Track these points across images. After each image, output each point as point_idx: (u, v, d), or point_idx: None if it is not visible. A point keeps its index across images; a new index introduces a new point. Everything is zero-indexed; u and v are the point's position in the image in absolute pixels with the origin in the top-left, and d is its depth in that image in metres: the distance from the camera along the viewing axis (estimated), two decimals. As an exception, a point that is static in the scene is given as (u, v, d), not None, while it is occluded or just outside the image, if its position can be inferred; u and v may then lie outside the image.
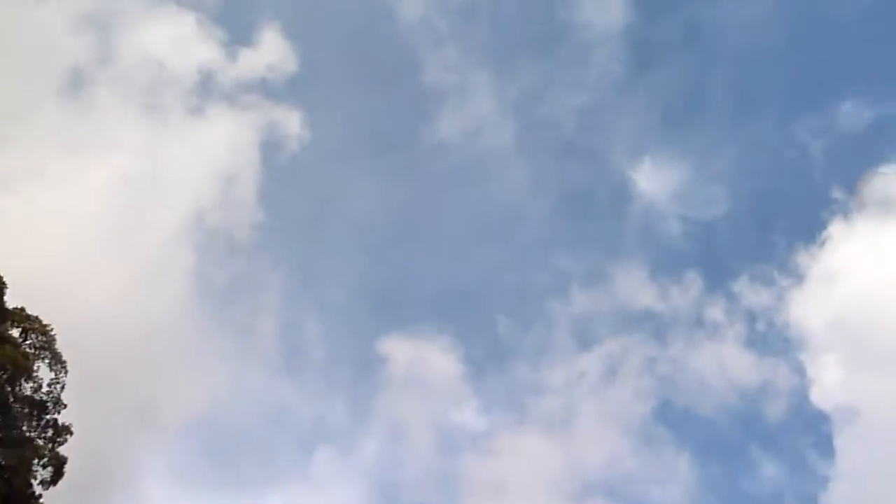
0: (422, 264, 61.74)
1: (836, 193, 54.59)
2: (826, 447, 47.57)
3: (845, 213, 53.53)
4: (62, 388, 26.71)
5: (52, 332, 26.74)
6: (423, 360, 53.85)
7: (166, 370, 47.72)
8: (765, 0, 61.90)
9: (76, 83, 52.95)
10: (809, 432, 49.70)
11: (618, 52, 60.71)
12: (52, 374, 26.60)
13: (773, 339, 52.52)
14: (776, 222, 58.28)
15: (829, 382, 48.69)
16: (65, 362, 26.97)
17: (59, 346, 26.95)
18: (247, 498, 49.43)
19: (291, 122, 56.72)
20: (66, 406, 26.78)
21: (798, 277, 52.91)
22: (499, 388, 55.49)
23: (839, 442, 46.81)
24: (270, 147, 56.82)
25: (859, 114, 57.28)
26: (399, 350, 53.55)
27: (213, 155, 54.81)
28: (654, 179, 58.86)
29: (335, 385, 55.89)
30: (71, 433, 26.70)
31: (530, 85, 62.60)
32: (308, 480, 50.98)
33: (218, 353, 51.64)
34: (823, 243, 52.95)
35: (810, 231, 54.41)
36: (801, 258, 53.37)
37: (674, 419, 52.01)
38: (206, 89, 56.13)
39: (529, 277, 60.41)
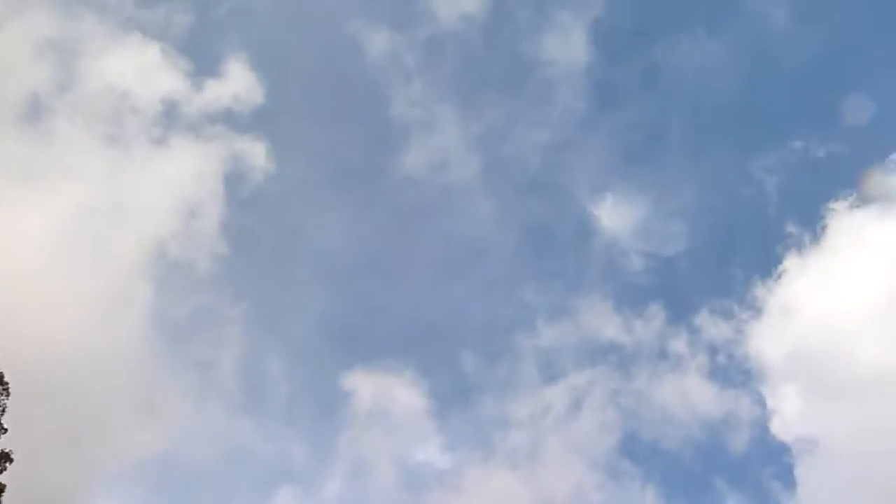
0: (387, 299, 61.42)
1: (791, 228, 56.39)
2: (787, 478, 48.09)
3: (799, 247, 55.22)
4: (2, 411, 25.83)
5: None
6: (388, 395, 53.18)
7: (122, 406, 46.20)
8: (720, 44, 64.57)
9: (35, 110, 52.10)
10: (771, 463, 50.19)
11: (581, 91, 62.43)
12: None
13: (733, 372, 53.40)
14: (734, 257, 59.81)
15: (788, 413, 49.49)
16: (7, 384, 26.05)
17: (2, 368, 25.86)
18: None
19: (256, 153, 56.50)
20: (6, 431, 25.80)
21: (756, 310, 54.15)
22: (464, 423, 55.01)
23: (800, 472, 47.35)
24: (235, 179, 56.36)
25: (811, 151, 59.63)
26: (363, 385, 52.84)
27: (176, 186, 54.03)
28: (615, 215, 60.09)
29: (297, 423, 54.63)
30: (11, 460, 25.68)
31: (495, 121, 63.76)
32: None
33: (176, 389, 50.09)
34: (780, 277, 54.42)
35: (767, 265, 55.91)
36: (759, 291, 54.70)
37: (639, 452, 52.12)
38: (171, 119, 55.68)
39: (495, 312, 60.58)
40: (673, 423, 52.31)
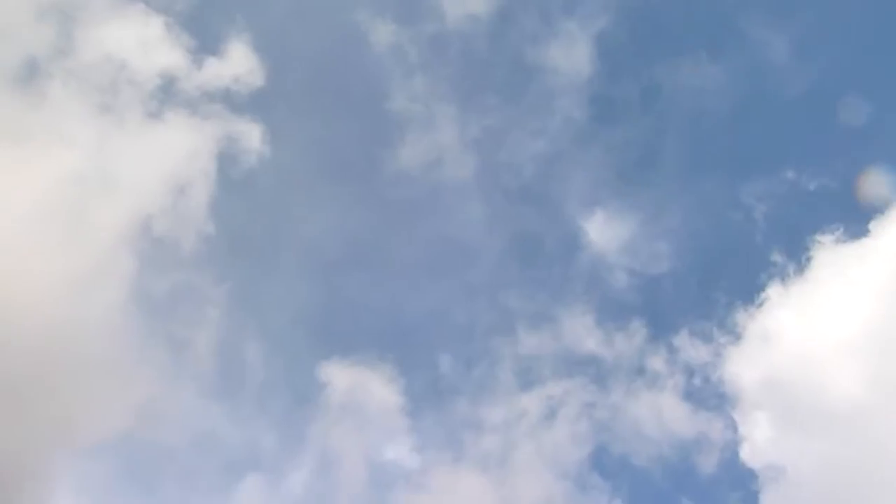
0: (370, 294, 61.08)
1: (776, 257, 56.77)
2: (752, 504, 48.47)
3: (783, 277, 55.65)
4: None
5: None
6: (363, 388, 53.00)
7: (92, 380, 45.69)
8: (720, 70, 64.63)
9: (31, 73, 51.28)
10: (737, 489, 50.53)
11: (580, 103, 62.35)
12: None
13: (708, 394, 53.66)
14: (718, 281, 59.94)
15: (759, 440, 49.92)
16: None
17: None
18: (164, 525, 47.32)
19: (252, 136, 55.98)
20: None
21: (735, 336, 54.43)
22: (437, 423, 54.89)
23: (765, 499, 47.82)
24: (227, 160, 55.83)
25: (802, 183, 60.00)
26: (339, 377, 52.64)
27: (167, 162, 53.48)
28: (604, 231, 60.22)
29: (269, 410, 54.26)
30: None
31: (493, 124, 63.58)
32: (233, 508, 49.17)
33: (149, 367, 49.55)
34: (761, 304, 54.77)
35: (749, 292, 56.22)
36: (740, 317, 54.99)
37: (609, 466, 52.28)
38: (167, 94, 55.04)
39: (476, 315, 60.44)
40: (644, 440, 52.60)
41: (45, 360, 43.69)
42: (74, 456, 45.56)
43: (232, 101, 58.36)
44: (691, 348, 55.39)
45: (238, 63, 58.01)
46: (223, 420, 52.64)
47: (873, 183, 57.72)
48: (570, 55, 62.73)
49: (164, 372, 50.70)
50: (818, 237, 56.68)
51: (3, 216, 45.62)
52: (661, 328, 57.96)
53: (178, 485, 50.59)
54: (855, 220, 58.53)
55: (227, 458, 52.09)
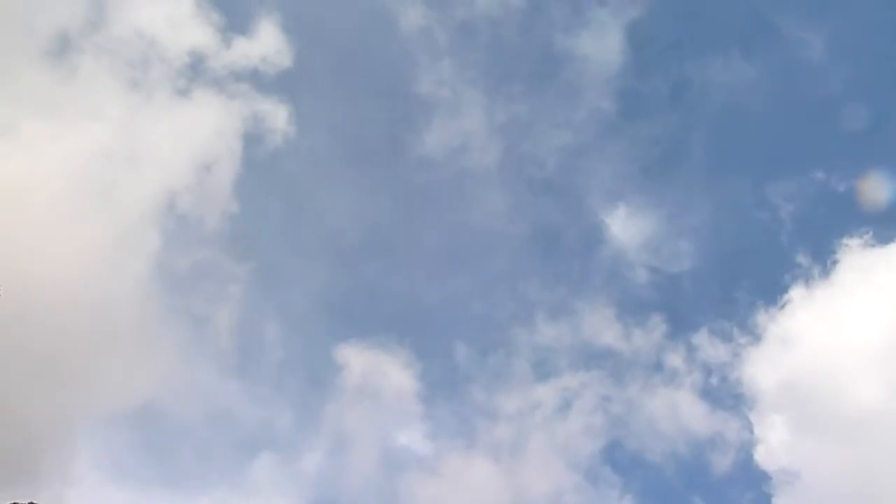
0: (389, 280, 61.30)
1: (801, 259, 56.02)
2: (765, 507, 48.23)
3: (807, 279, 54.91)
4: None
5: None
6: (380, 371, 53.29)
7: (114, 352, 46.35)
8: (753, 68, 63.73)
9: (62, 48, 51.70)
10: (750, 490, 50.30)
11: (608, 96, 61.81)
12: None
13: (724, 394, 53.32)
14: (740, 281, 59.38)
15: (774, 443, 49.54)
16: None
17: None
18: (179, 497, 47.92)
19: (278, 116, 56.14)
20: None
21: (756, 337, 53.95)
22: (452, 410, 55.12)
23: (778, 503, 47.51)
24: (253, 139, 56.08)
25: (832, 184, 59.08)
26: (356, 359, 52.91)
27: (193, 139, 53.85)
28: (626, 227, 59.84)
29: (286, 390, 54.78)
30: None
31: (520, 113, 63.19)
32: (245, 487, 49.65)
33: (170, 342, 50.23)
34: (784, 306, 54.15)
35: (772, 293, 55.60)
36: (761, 318, 54.47)
37: (622, 461, 52.26)
38: (196, 72, 55.28)
39: (495, 304, 60.45)
40: (659, 437, 52.48)
41: (68, 332, 44.38)
42: (95, 427, 46.41)
43: (259, 80, 58.54)
44: (710, 347, 54.97)
45: (266, 43, 58.02)
46: (240, 397, 53.30)
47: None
48: (600, 45, 61.92)
49: (184, 347, 51.40)
50: (845, 240, 55.97)
51: (32, 188, 46.26)
52: (680, 325, 57.59)
53: (195, 459, 51.40)
54: (884, 223, 57.90)
55: (243, 435, 52.84)
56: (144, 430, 48.93)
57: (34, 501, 25.91)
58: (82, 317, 45.49)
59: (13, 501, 25.26)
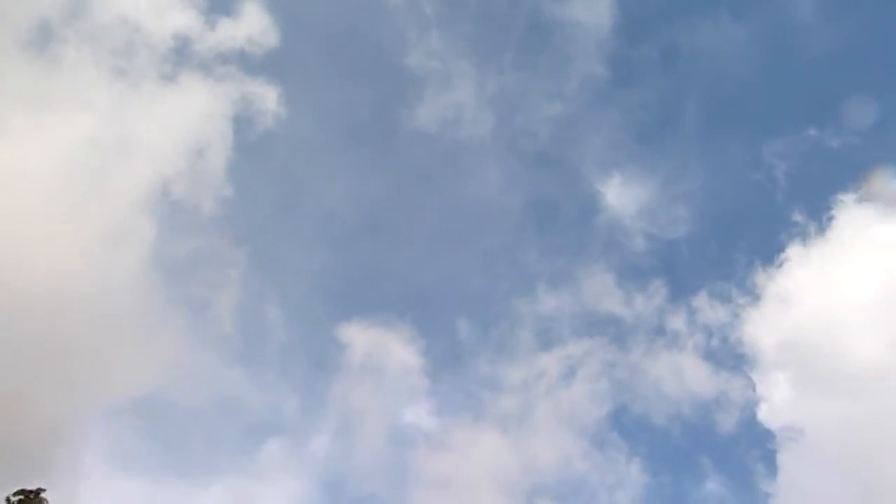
0: (388, 256, 61.26)
1: (797, 217, 56.19)
2: (770, 464, 48.91)
3: (804, 237, 55.12)
4: None
5: None
6: (383, 349, 53.47)
7: (116, 342, 46.22)
8: (742, 30, 63.29)
9: (44, 38, 50.73)
10: (755, 448, 51.01)
11: (598, 64, 61.31)
12: None
13: (726, 355, 53.81)
14: (737, 242, 59.66)
15: (777, 401, 50.09)
16: None
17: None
18: (190, 486, 48.16)
19: (267, 97, 55.50)
20: None
21: (755, 296, 54.31)
22: (457, 383, 55.50)
23: (782, 459, 48.15)
24: (243, 122, 55.49)
25: (825, 141, 59.06)
26: (359, 337, 53.06)
27: (183, 125, 53.21)
28: (621, 195, 59.82)
29: (291, 374, 54.95)
30: None
31: (512, 81, 62.65)
32: (255, 472, 49.94)
33: (172, 329, 50.11)
34: (781, 265, 54.43)
35: (769, 252, 55.89)
36: (759, 278, 54.78)
37: (628, 426, 52.88)
38: (182, 57, 54.45)
39: (495, 276, 60.58)
40: (663, 400, 53.03)
41: (69, 325, 44.19)
42: (102, 418, 46.46)
43: (247, 62, 57.68)
44: (710, 309, 55.28)
45: (251, 23, 56.97)
46: (246, 383, 53.34)
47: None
48: (589, 11, 61.15)
49: (187, 335, 51.26)
50: (840, 196, 56.21)
51: (22, 182, 45.67)
52: (680, 289, 57.86)
53: (204, 447, 51.58)
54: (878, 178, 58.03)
55: (251, 421, 52.94)
56: (152, 419, 49.00)
57: (42, 487, 26.03)
58: (83, 309, 45.32)
59: (22, 488, 25.36)
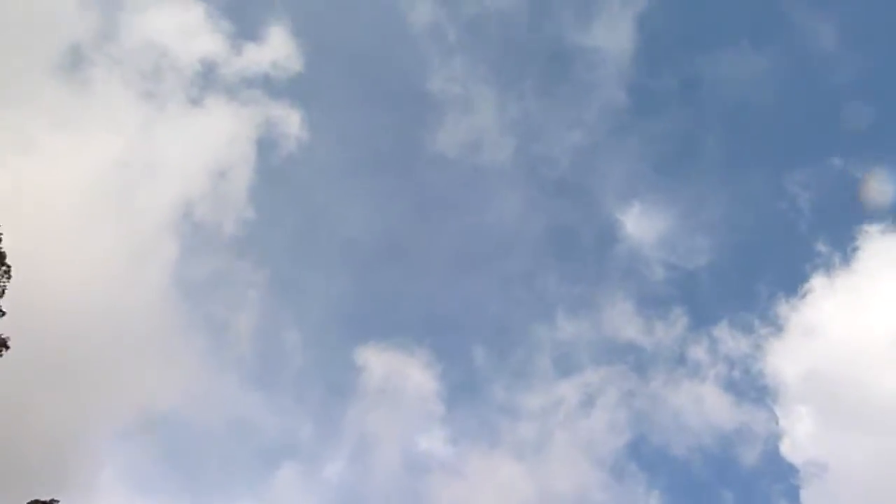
0: (407, 282, 61.36)
1: (821, 247, 55.46)
2: (793, 500, 47.64)
3: (828, 267, 54.32)
4: (2, 292, 24.34)
5: None
6: (400, 372, 53.22)
7: (135, 361, 46.46)
8: (764, 59, 63.27)
9: (75, 61, 52.05)
10: (778, 484, 49.81)
11: (619, 92, 61.58)
12: None
13: (748, 387, 52.85)
14: (760, 272, 59.06)
15: (800, 434, 48.96)
16: (9, 266, 24.66)
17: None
18: (204, 510, 47.98)
19: (291, 121, 56.30)
20: (4, 314, 24.38)
21: (777, 327, 53.45)
22: (473, 410, 55.04)
23: (806, 495, 46.87)
24: (267, 145, 56.26)
25: (849, 171, 58.47)
26: (376, 360, 52.89)
27: (208, 147, 54.07)
28: (641, 224, 59.54)
29: (307, 398, 54.82)
30: (7, 347, 24.35)
31: (532, 107, 62.96)
32: (269, 497, 49.59)
33: (189, 350, 50.36)
34: (805, 296, 53.59)
35: (793, 283, 55.17)
36: (782, 309, 53.96)
37: (647, 456, 51.92)
38: (208, 80, 55.54)
39: (514, 302, 60.36)
40: (683, 431, 52.08)
41: (90, 342, 44.54)
42: (117, 435, 46.47)
43: (271, 86, 58.70)
44: (731, 340, 54.46)
45: (277, 48, 58.11)
46: (261, 407, 53.12)
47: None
48: (610, 39, 61.49)
49: (204, 356, 51.46)
50: (865, 227, 55.47)
51: (50, 202, 46.50)
52: (701, 318, 57.20)
53: (218, 470, 51.39)
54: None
55: (265, 444, 52.63)
56: (167, 439, 49.01)
57: (56, 499, 25.88)
58: (103, 327, 45.71)
59: (35, 499, 25.26)
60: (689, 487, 51.73)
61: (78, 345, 44.23)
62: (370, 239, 61.50)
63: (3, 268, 24.08)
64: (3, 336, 23.67)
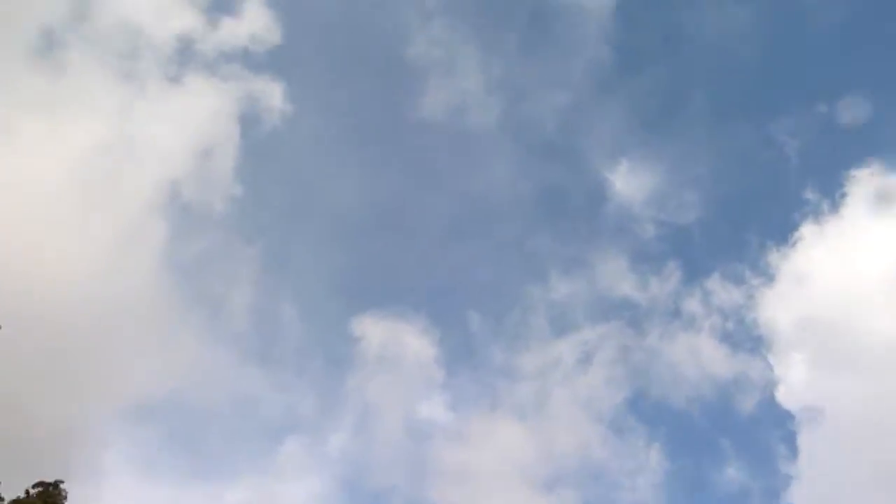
0: (400, 251, 61.35)
1: (809, 195, 55.65)
2: (791, 446, 48.42)
3: (817, 215, 54.57)
4: None
5: None
6: (398, 340, 53.37)
7: (132, 344, 46.35)
8: (745, 8, 62.70)
9: (49, 44, 51.06)
10: (775, 430, 50.57)
11: (603, 50, 60.98)
12: None
13: (742, 337, 53.32)
14: (749, 223, 59.24)
15: (795, 381, 49.57)
16: None
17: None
18: (210, 487, 48.16)
19: (273, 94, 55.58)
20: None
21: (769, 277, 53.79)
22: (471, 374, 55.39)
23: (803, 440, 47.61)
24: (250, 120, 55.61)
25: (835, 117, 58.43)
26: (373, 329, 52.97)
27: (190, 126, 53.40)
28: (630, 182, 59.43)
29: (306, 371, 54.97)
30: None
31: (516, 67, 62.33)
32: (274, 471, 49.77)
33: (186, 332, 50.23)
34: (795, 244, 53.88)
35: (782, 232, 55.38)
36: (773, 258, 54.26)
37: (646, 409, 52.55)
38: (186, 57, 54.64)
39: (507, 264, 60.51)
40: (681, 383, 52.62)
41: (84, 327, 44.36)
42: (119, 419, 46.53)
43: (250, 60, 57.72)
44: (724, 291, 54.85)
45: (254, 21, 56.86)
46: (262, 383, 53.24)
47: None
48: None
49: (202, 336, 51.40)
50: (853, 172, 55.64)
51: (33, 188, 45.96)
52: (693, 272, 57.57)
53: (221, 448, 51.64)
54: (890, 152, 57.28)
55: (268, 421, 52.79)
56: (169, 421, 49.13)
57: (60, 479, 25.88)
58: (97, 311, 45.55)
59: (40, 480, 25.27)
60: (688, 438, 52.54)
61: (73, 332, 44.03)
62: (361, 209, 61.26)
63: None
64: None
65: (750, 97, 63.91)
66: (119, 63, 52.97)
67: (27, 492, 24.13)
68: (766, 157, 60.33)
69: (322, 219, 60.41)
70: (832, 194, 54.41)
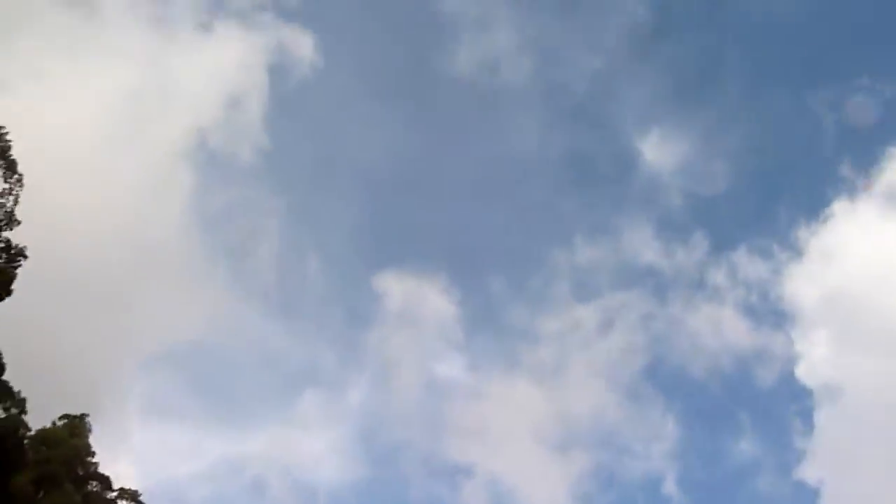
0: (425, 208, 61.50)
1: (845, 171, 54.48)
2: (807, 421, 48.33)
3: (851, 192, 53.46)
4: (16, 201, 23.14)
5: (8, 139, 22.97)
6: (419, 297, 53.75)
7: (158, 291, 47.09)
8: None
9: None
10: (793, 405, 50.47)
11: (639, 13, 59.53)
12: (5, 185, 23.07)
13: (766, 311, 52.95)
14: (780, 196, 58.34)
15: (816, 358, 49.19)
16: (21, 175, 23.30)
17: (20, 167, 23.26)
18: (232, 433, 49.35)
19: (303, 45, 55.34)
20: (19, 223, 23.25)
21: (797, 252, 53.11)
22: (491, 334, 55.81)
23: (820, 417, 47.43)
24: (279, 70, 55.44)
25: (877, 90, 56.83)
26: (395, 286, 53.38)
27: (220, 74, 53.39)
28: (660, 150, 58.63)
29: (328, 325, 55.76)
30: (25, 256, 23.20)
31: (551, 23, 61.11)
32: (294, 421, 51.08)
33: (211, 280, 50.96)
34: (825, 220, 52.97)
35: (814, 207, 54.53)
36: (802, 233, 53.48)
37: (664, 377, 52.63)
38: (217, 4, 54.46)
39: (532, 227, 60.32)
40: (701, 353, 52.54)
41: (111, 275, 45.05)
42: (144, 364, 47.58)
43: (282, 9, 57.43)
44: (750, 264, 54.34)
45: (287, -30, 56.73)
46: (285, 337, 54.23)
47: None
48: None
49: (227, 285, 52.22)
50: (891, 148, 54.23)
51: (64, 131, 46.33)
52: (720, 243, 57.05)
53: (244, 397, 52.84)
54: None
55: (290, 371, 54.01)
56: (193, 368, 50.24)
57: (86, 412, 26.39)
58: (124, 253, 46.20)
59: (65, 413, 25.81)
60: (704, 408, 52.65)
61: (98, 279, 44.73)
62: (387, 165, 61.19)
63: (16, 176, 23.06)
64: (20, 246, 22.83)
65: (788, 65, 62.43)
66: (151, 8, 52.91)
67: (54, 423, 24.85)
68: (802, 129, 59.07)
69: (348, 173, 60.47)
70: (867, 171, 53.31)
